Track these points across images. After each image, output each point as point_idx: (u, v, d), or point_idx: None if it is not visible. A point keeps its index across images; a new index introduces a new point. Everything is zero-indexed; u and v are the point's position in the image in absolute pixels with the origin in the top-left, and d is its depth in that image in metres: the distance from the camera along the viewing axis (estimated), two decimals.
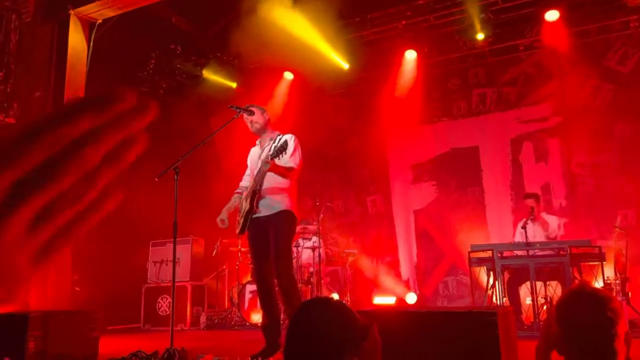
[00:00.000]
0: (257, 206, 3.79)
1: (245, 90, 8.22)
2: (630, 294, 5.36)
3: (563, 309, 1.50)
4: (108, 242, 6.72)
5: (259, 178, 3.77)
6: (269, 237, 3.78)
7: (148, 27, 7.38)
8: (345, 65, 8.01)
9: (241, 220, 3.89)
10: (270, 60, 7.87)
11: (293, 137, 3.92)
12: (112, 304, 6.50)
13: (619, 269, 5.62)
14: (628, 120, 6.60)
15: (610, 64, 6.93)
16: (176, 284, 6.57)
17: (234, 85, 8.54)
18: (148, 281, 7.18)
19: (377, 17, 7.27)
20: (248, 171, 4.22)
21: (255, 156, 4.09)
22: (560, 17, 6.65)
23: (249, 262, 7.04)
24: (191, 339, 5.46)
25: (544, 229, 5.82)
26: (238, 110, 3.89)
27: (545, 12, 6.64)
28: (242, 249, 7.08)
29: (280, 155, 3.54)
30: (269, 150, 3.83)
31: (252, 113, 3.92)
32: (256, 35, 7.00)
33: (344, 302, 1.48)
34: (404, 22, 7.20)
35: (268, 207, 3.81)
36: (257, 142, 4.14)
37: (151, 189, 5.37)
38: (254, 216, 3.82)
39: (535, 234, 5.87)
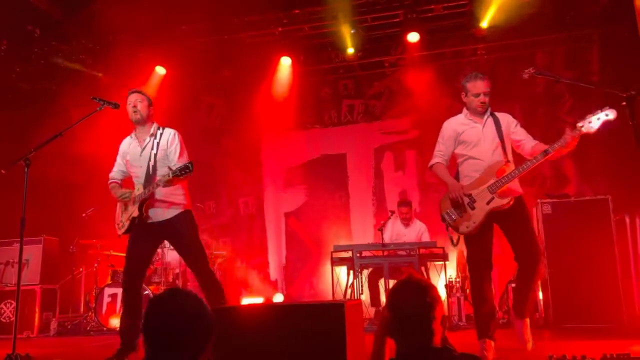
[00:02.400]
0: (146, 213, 3.70)
1: (112, 81, 7.77)
2: (468, 290, 6.06)
3: (392, 296, 1.73)
4: None
5: (152, 187, 3.63)
6: (172, 241, 3.85)
7: (1, 4, 6.66)
8: (222, 68, 7.97)
9: (126, 223, 3.76)
10: (141, 52, 7.56)
11: (177, 135, 3.85)
12: None
13: (460, 269, 6.33)
14: None
15: (460, 85, 7.76)
16: (23, 287, 6.03)
17: (99, 74, 8.01)
18: None
19: (255, 22, 7.34)
20: (121, 165, 4.02)
21: (134, 150, 3.88)
22: (420, 39, 7.31)
23: (109, 265, 6.67)
24: (39, 346, 5.03)
25: (415, 232, 6.43)
26: (102, 103, 3.72)
27: (407, 33, 7.25)
28: (105, 252, 6.69)
29: (181, 172, 3.42)
30: (153, 149, 3.75)
31: (116, 106, 3.77)
32: (127, 24, 6.70)
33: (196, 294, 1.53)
34: (280, 29, 7.37)
35: (163, 212, 3.74)
36: (134, 134, 3.93)
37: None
38: (146, 222, 3.72)
39: (411, 236, 6.39)
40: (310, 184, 8.25)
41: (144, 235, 3.75)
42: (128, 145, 3.95)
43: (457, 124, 3.85)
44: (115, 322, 6.01)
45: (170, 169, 3.47)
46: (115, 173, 4.06)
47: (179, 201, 3.79)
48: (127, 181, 4.09)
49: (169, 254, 6.78)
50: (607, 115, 3.26)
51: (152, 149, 3.78)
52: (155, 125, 3.90)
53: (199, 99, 8.46)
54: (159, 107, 8.00)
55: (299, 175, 8.33)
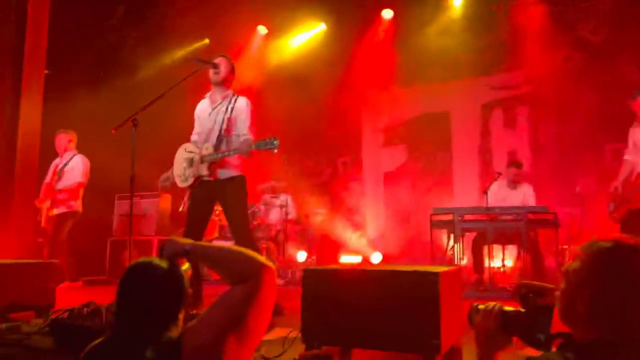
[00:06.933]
0: (212, 173, 3.76)
1: (217, 44, 8.00)
2: None
3: (618, 261, 1.15)
4: None
5: (229, 153, 3.68)
6: (222, 201, 3.81)
7: None
8: (321, 22, 7.86)
9: (191, 179, 3.83)
10: (243, 14, 7.66)
11: (248, 104, 3.84)
12: (77, 256, 6.45)
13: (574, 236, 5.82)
14: (595, 91, 6.61)
15: (582, 33, 6.93)
16: (142, 237, 6.59)
17: (206, 40, 8.29)
18: (113, 234, 7.14)
19: None
20: (197, 127, 4.08)
21: (204, 112, 3.95)
22: None
23: (215, 217, 7.05)
24: None
25: (521, 196, 5.98)
26: (200, 64, 3.80)
27: None
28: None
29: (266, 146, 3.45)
30: (227, 113, 3.78)
31: (216, 66, 3.83)
32: None
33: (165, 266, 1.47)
34: None
35: (222, 173, 3.78)
36: (207, 95, 3.99)
37: (116, 142, 5.27)
38: (205, 179, 3.79)
39: (516, 199, 5.96)
40: (410, 143, 7.99)
41: (205, 193, 3.82)
42: (202, 108, 4.02)
43: None
44: None
45: (253, 141, 3.54)
46: (194, 135, 4.12)
47: (236, 164, 3.81)
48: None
49: (272, 211, 7.02)
50: None
51: (226, 113, 3.80)
52: (231, 91, 3.92)
53: (298, 56, 8.41)
54: (260, 67, 8.17)
55: (399, 135, 8.09)
